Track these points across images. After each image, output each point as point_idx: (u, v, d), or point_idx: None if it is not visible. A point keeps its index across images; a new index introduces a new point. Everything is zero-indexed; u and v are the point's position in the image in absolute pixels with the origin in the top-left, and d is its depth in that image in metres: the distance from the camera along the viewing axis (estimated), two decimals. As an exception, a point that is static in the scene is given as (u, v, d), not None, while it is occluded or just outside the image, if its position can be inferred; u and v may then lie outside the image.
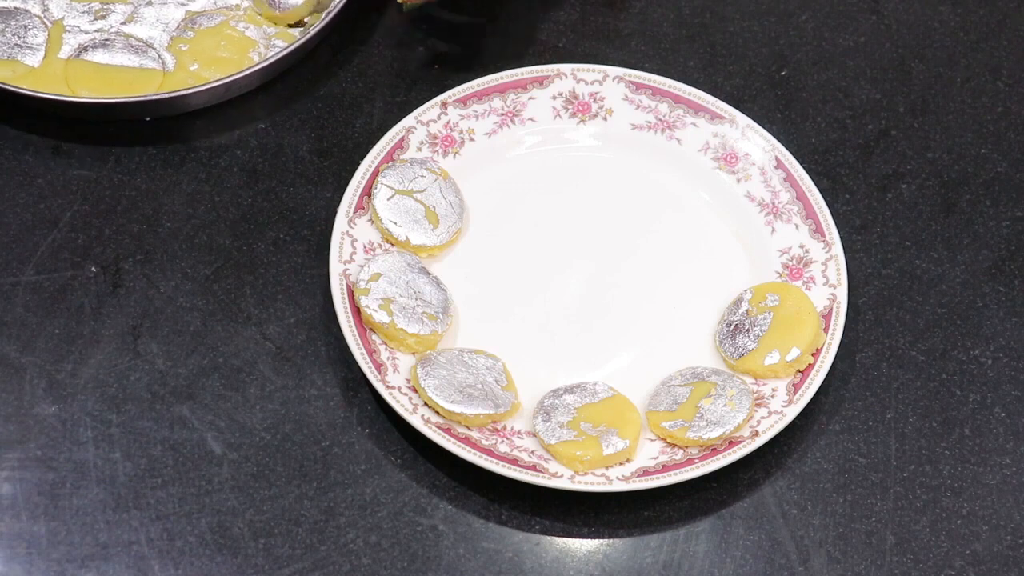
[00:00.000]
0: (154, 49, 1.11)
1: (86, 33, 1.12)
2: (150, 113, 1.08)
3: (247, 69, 1.08)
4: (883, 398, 1.01)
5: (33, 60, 1.10)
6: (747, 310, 1.01)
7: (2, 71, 1.08)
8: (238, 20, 1.13)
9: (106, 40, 1.11)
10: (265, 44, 1.12)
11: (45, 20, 1.12)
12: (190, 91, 1.07)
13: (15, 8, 1.12)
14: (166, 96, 1.07)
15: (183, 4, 1.14)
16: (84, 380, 0.98)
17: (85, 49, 1.10)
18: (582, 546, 0.95)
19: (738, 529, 0.96)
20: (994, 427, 1.00)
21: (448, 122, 1.08)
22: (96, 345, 1.00)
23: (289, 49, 1.09)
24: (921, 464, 0.98)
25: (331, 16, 1.11)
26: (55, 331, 1.00)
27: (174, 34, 1.12)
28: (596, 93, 1.10)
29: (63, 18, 1.12)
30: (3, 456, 0.95)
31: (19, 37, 1.10)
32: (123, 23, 1.12)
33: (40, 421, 0.97)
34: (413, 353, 0.99)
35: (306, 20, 1.13)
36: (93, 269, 1.03)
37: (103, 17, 1.12)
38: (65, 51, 1.11)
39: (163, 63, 1.10)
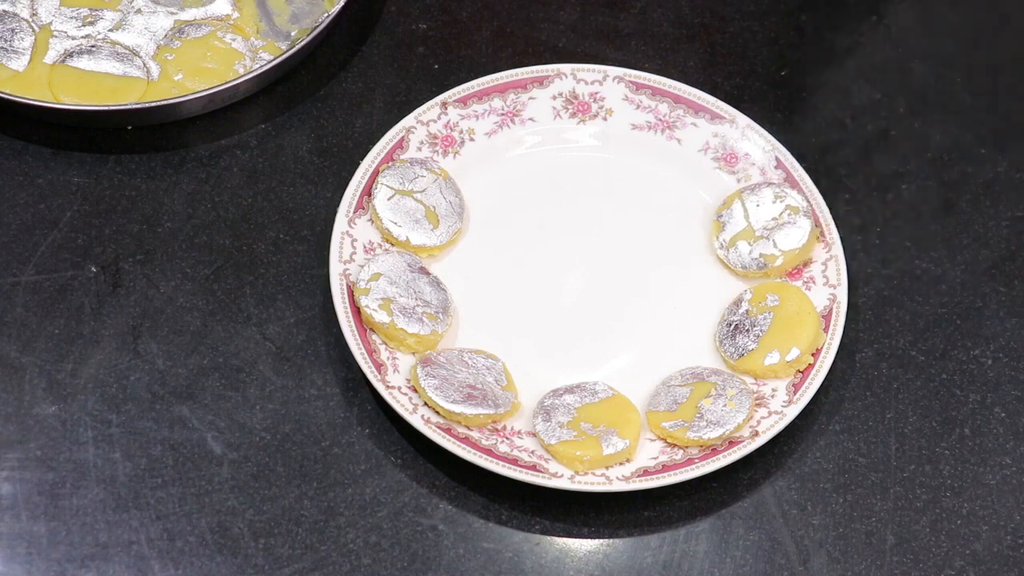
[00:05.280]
0: (140, 57, 1.11)
1: (73, 39, 1.11)
2: (130, 122, 1.08)
3: (230, 81, 1.07)
4: (883, 398, 1.01)
5: (18, 64, 1.09)
6: (747, 310, 1.01)
7: None
8: (226, 31, 1.12)
9: (92, 47, 1.11)
10: (251, 56, 1.11)
11: (33, 24, 1.12)
12: (170, 102, 1.06)
13: (3, 11, 1.11)
14: (145, 106, 1.06)
15: (172, 13, 1.13)
16: (84, 380, 0.98)
17: (71, 55, 1.10)
18: (582, 546, 0.95)
19: (738, 529, 0.96)
20: (994, 427, 1.00)
21: (448, 122, 1.08)
22: (96, 345, 1.00)
23: (275, 62, 1.08)
24: (921, 464, 0.99)
25: (317, 32, 1.10)
26: (55, 331, 1.00)
27: (161, 43, 1.12)
28: (596, 93, 1.10)
29: (51, 23, 1.12)
30: (3, 456, 0.95)
31: (5, 41, 1.10)
32: (111, 30, 1.12)
33: (40, 421, 0.97)
34: (413, 353, 0.99)
35: (292, 33, 1.13)
36: (93, 269, 1.03)
37: (91, 23, 1.12)
38: (51, 56, 1.10)
39: (148, 72, 1.10)
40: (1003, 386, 1.02)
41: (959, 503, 0.97)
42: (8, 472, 0.95)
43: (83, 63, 1.10)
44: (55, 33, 1.11)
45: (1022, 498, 0.98)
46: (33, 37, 1.11)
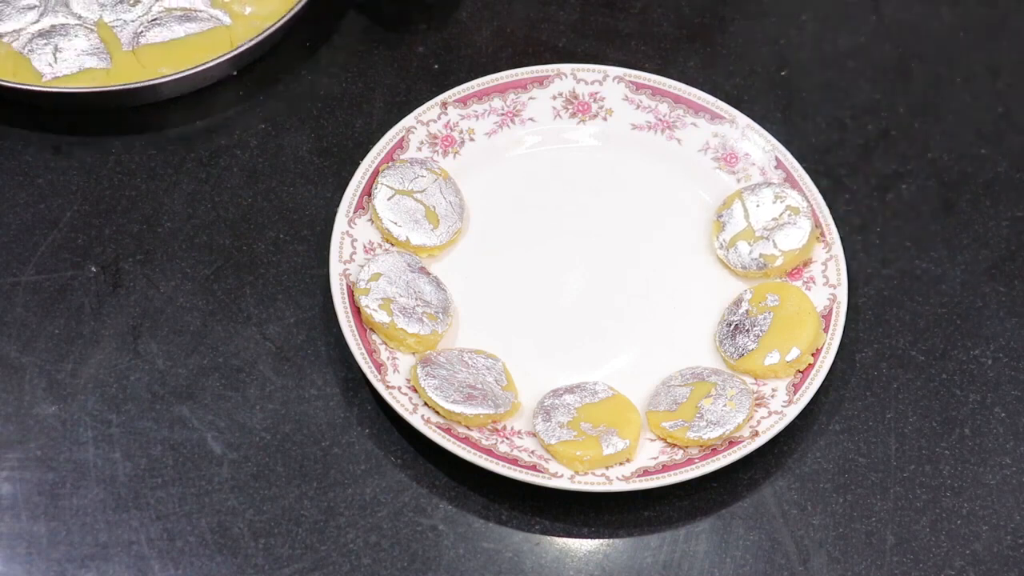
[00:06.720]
0: (202, 11, 1.12)
1: (131, 22, 1.12)
2: (136, 100, 1.09)
3: (218, 58, 1.08)
4: (883, 398, 1.01)
5: (103, 63, 1.10)
6: (747, 310, 1.01)
7: (82, 80, 1.08)
8: None
9: (154, 20, 1.12)
10: None
11: (87, 25, 1.12)
12: (160, 80, 1.08)
13: (51, 26, 1.11)
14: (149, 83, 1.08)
15: None
16: (84, 380, 0.98)
17: (140, 35, 1.11)
18: (582, 546, 0.95)
19: (738, 529, 0.96)
20: (994, 427, 1.00)
21: (448, 122, 1.08)
22: (96, 345, 1.00)
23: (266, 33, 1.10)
24: (921, 464, 0.99)
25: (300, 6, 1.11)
26: (55, 331, 1.00)
27: None
28: (596, 93, 1.10)
29: (101, 18, 1.12)
30: (3, 456, 0.95)
31: (78, 48, 1.10)
32: (157, 0, 1.13)
33: (40, 421, 0.97)
34: (413, 353, 0.99)
35: None
36: (93, 269, 1.03)
37: (137, 2, 1.13)
38: (125, 44, 1.11)
39: (218, 20, 1.12)
40: (1003, 386, 1.02)
41: (959, 503, 0.97)
42: (8, 472, 0.95)
43: (158, 36, 1.11)
44: (112, 25, 1.12)
45: (1022, 498, 0.98)
46: (98, 34, 1.11)
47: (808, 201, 1.05)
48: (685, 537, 0.95)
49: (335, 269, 1.00)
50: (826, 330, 1.00)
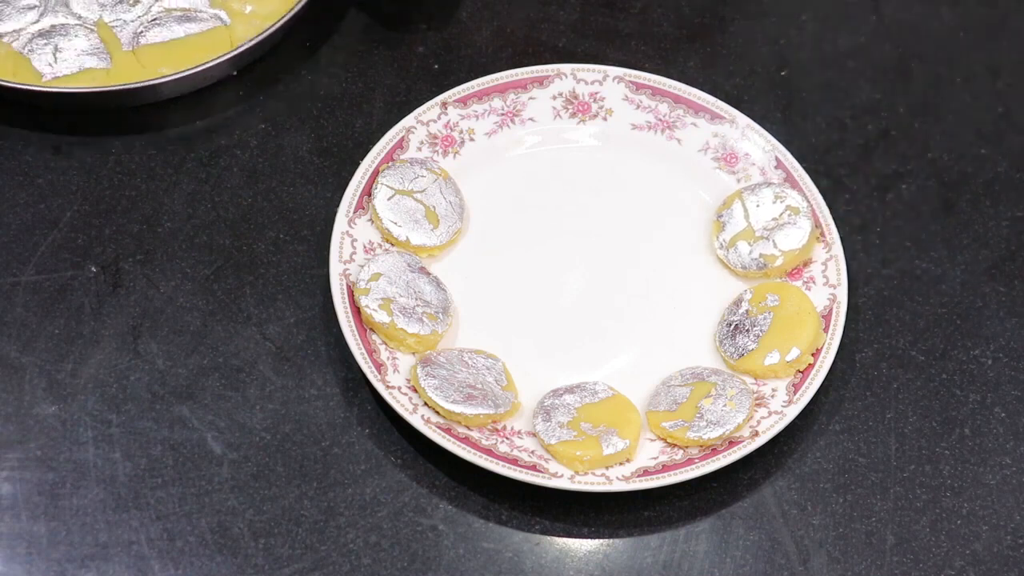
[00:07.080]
0: (201, 11, 1.12)
1: (131, 22, 1.12)
2: (138, 100, 1.09)
3: (218, 58, 1.09)
4: (883, 398, 1.01)
5: (103, 63, 1.10)
6: (747, 310, 1.01)
7: (82, 80, 1.08)
8: None
9: (153, 20, 1.12)
10: None
11: (87, 25, 1.12)
12: (161, 80, 1.08)
13: (51, 26, 1.11)
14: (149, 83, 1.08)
15: None
16: (84, 380, 0.98)
17: (140, 35, 1.11)
18: (582, 546, 0.95)
19: (738, 529, 0.96)
20: (994, 427, 1.00)
21: (448, 122, 1.08)
22: (96, 345, 1.00)
23: (267, 32, 1.10)
24: (921, 464, 0.99)
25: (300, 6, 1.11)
26: (55, 331, 1.00)
27: None
28: (596, 93, 1.10)
29: (100, 18, 1.12)
30: (3, 456, 0.95)
31: (78, 48, 1.10)
32: (157, 0, 1.13)
33: (40, 421, 0.97)
34: (413, 353, 0.99)
35: None
36: (93, 269, 1.03)
37: (137, 2, 1.13)
38: (125, 44, 1.11)
39: (219, 19, 1.12)
40: (1003, 386, 1.02)
41: (959, 503, 0.97)
42: (8, 472, 0.95)
43: (157, 37, 1.10)
44: (112, 25, 1.12)
45: (1022, 498, 0.98)
46: (97, 35, 1.11)
47: (808, 201, 1.05)
48: (685, 537, 0.95)
49: (335, 269, 1.00)
50: (826, 330, 1.00)
